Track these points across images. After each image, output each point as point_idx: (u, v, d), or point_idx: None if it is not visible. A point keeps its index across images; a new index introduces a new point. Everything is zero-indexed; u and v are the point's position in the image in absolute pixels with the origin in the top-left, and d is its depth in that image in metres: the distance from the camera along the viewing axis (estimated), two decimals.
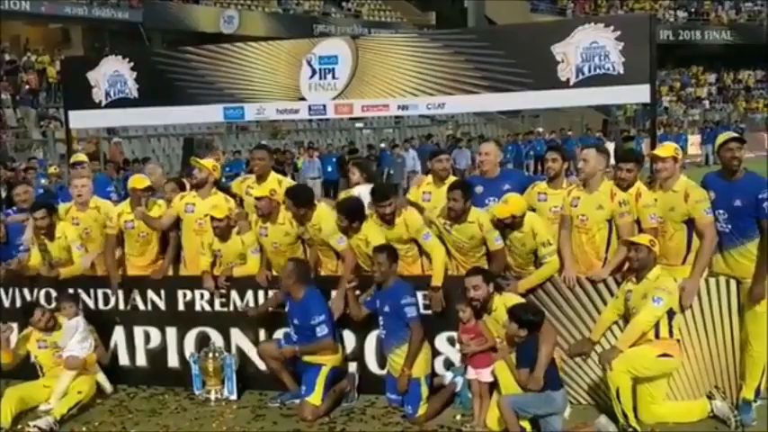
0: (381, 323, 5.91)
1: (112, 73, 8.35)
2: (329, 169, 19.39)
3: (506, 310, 5.29)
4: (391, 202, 6.02)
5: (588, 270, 5.79)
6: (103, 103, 8.41)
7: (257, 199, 6.32)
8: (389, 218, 6.05)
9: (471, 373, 5.54)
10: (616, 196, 5.77)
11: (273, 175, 6.80)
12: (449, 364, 6.02)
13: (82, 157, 8.00)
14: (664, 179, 5.68)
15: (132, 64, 8.29)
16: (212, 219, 6.41)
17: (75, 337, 6.30)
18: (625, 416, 5.11)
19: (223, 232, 6.45)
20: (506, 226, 5.82)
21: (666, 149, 5.72)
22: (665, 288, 5.23)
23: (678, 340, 5.35)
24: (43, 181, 12.80)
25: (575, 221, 5.86)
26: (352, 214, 6.08)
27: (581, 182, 5.95)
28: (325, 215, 6.22)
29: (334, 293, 6.14)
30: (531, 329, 5.15)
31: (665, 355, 5.22)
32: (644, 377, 5.20)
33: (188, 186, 7.15)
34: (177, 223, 6.81)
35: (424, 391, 5.74)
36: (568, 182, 6.22)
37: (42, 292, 6.87)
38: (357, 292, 6.08)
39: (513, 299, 5.47)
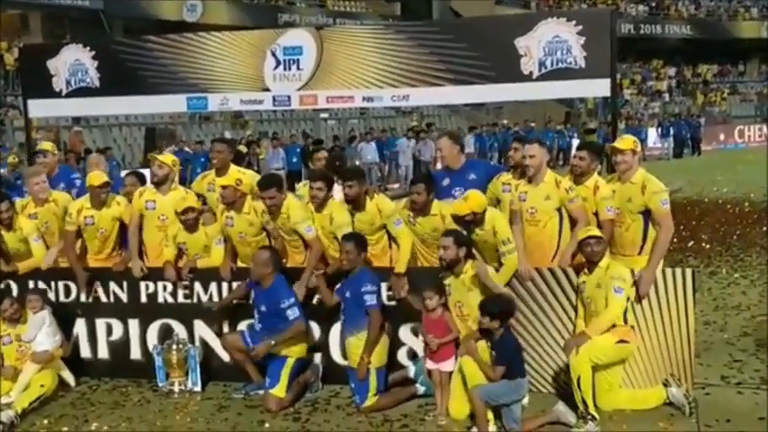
0: (342, 309, 5.92)
1: (73, 62, 8.22)
2: (294, 160, 19.29)
3: (478, 306, 5.31)
4: (352, 185, 6.04)
5: (543, 262, 5.88)
6: (64, 92, 8.29)
7: (223, 188, 6.30)
8: (352, 199, 6.06)
9: (431, 364, 5.58)
10: (561, 184, 5.90)
11: (234, 168, 6.79)
12: (412, 355, 6.06)
13: (46, 145, 7.81)
14: (622, 171, 5.85)
15: (93, 53, 8.18)
16: (185, 210, 6.37)
17: (44, 330, 6.23)
18: (584, 403, 5.21)
19: (192, 224, 6.44)
20: (467, 223, 5.83)
21: (625, 142, 5.90)
22: (620, 276, 5.35)
23: (633, 327, 5.48)
24: (2, 170, 12.57)
25: (524, 215, 5.95)
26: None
27: (527, 177, 6.03)
28: (293, 204, 6.24)
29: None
30: (505, 319, 5.24)
31: (622, 341, 5.35)
32: (602, 364, 5.31)
33: (148, 180, 7.08)
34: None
35: (373, 381, 5.72)
36: None
37: (2, 285, 6.73)
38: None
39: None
